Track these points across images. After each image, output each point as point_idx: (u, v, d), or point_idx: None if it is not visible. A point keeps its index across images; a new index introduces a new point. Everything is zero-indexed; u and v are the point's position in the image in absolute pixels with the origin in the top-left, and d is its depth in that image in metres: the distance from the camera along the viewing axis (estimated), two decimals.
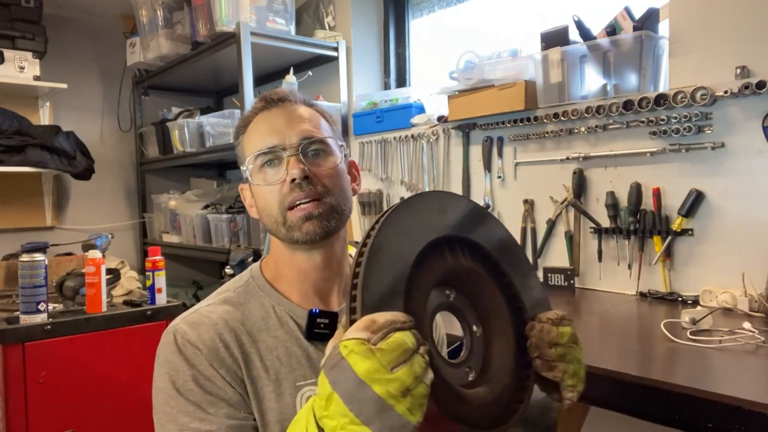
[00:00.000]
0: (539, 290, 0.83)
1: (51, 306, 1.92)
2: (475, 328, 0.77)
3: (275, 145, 0.89)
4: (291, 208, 0.87)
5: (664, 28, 1.73)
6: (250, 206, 0.98)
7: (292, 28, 2.73)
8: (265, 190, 0.89)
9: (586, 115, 1.80)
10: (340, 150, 0.94)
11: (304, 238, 0.87)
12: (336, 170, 0.91)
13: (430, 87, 2.40)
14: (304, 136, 0.89)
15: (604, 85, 1.81)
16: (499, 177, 2.10)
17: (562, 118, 1.86)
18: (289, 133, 0.89)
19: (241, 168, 0.95)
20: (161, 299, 2.08)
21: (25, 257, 1.80)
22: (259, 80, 2.89)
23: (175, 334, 0.84)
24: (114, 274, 2.24)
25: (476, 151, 2.18)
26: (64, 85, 2.87)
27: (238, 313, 0.88)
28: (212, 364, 0.82)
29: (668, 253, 1.65)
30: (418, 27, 2.82)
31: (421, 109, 2.44)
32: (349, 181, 0.95)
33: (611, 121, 1.76)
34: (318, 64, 2.84)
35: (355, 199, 1.61)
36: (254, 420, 0.82)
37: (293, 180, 0.86)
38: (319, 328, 0.89)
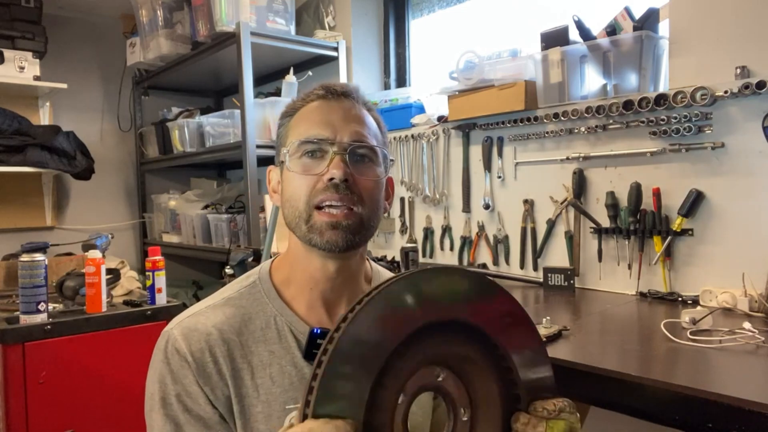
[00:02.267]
0: (545, 372, 0.76)
1: (51, 306, 1.92)
2: (463, 412, 0.71)
3: (325, 138, 0.84)
4: (319, 208, 0.83)
5: (664, 28, 1.73)
6: (273, 191, 0.94)
7: (292, 28, 2.73)
8: (297, 179, 0.85)
9: (586, 115, 1.80)
10: (384, 163, 0.90)
11: (323, 245, 0.82)
12: (377, 182, 0.87)
13: (430, 87, 2.40)
14: (357, 138, 0.85)
15: (604, 85, 1.81)
16: (499, 177, 2.10)
17: (562, 118, 1.86)
18: (342, 131, 0.85)
19: (279, 150, 0.91)
20: (161, 299, 2.08)
21: (25, 257, 1.80)
22: (259, 80, 2.89)
23: (167, 341, 0.82)
24: (114, 274, 2.24)
25: (476, 151, 2.18)
26: (64, 85, 2.87)
27: (236, 320, 0.85)
28: (197, 381, 0.80)
29: (668, 253, 1.65)
30: (418, 27, 2.82)
31: (421, 109, 2.44)
32: (383, 197, 0.90)
33: (611, 121, 1.76)
34: (318, 64, 2.84)
35: None
36: None
37: (331, 179, 0.81)
38: (318, 348, 0.88)
